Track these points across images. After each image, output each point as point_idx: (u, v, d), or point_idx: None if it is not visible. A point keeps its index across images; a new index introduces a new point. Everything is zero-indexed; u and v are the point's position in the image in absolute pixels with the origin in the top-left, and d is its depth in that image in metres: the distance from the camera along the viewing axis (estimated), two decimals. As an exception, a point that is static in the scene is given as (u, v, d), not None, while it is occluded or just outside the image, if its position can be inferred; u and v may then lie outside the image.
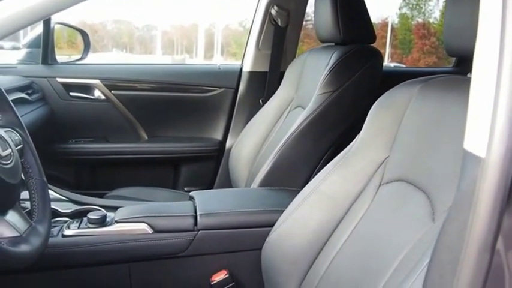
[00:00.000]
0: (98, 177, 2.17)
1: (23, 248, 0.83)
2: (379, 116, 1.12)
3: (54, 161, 2.04)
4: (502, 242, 0.52)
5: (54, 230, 1.24)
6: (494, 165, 0.49)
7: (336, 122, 1.52)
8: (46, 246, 0.94)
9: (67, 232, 1.22)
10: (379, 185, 1.07)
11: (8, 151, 0.89)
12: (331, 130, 1.52)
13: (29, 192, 1.01)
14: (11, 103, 1.04)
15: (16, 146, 0.98)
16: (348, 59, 1.53)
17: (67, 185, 2.07)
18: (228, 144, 2.19)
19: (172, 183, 2.21)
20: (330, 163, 1.17)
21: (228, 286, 1.25)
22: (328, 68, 1.53)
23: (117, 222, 1.24)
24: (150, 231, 1.23)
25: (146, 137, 2.22)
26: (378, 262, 0.92)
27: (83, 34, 2.24)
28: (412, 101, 1.05)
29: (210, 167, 2.21)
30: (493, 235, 0.50)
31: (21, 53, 2.16)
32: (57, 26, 2.14)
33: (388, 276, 0.87)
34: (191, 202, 1.34)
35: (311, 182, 1.18)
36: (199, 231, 1.24)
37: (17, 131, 1.03)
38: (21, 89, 1.86)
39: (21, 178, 0.94)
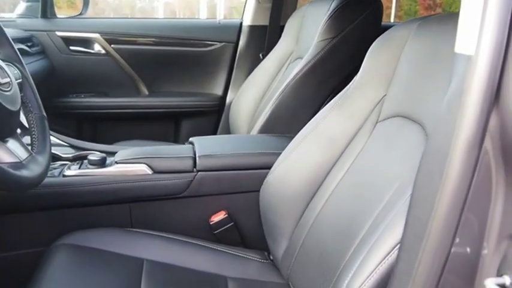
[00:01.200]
0: (99, 132, 2.18)
1: (24, 172, 0.85)
2: (378, 54, 1.12)
3: (56, 115, 2.04)
4: (489, 141, 0.53)
5: (55, 171, 1.26)
6: (482, 62, 0.50)
7: (335, 69, 1.52)
8: (46, 176, 0.96)
9: (68, 172, 1.24)
10: (376, 122, 1.08)
11: (7, 79, 0.90)
12: (331, 77, 1.52)
13: (29, 126, 1.03)
14: (9, 38, 1.04)
15: (15, 80, 0.99)
16: (347, 6, 1.52)
17: (69, 139, 2.09)
18: (228, 99, 2.20)
19: (173, 137, 2.23)
20: (329, 103, 1.18)
21: (227, 226, 1.28)
22: (327, 15, 1.52)
23: (117, 163, 1.26)
24: (149, 172, 1.24)
25: (146, 92, 2.23)
26: (374, 193, 0.93)
27: (82, -11, 2.23)
28: (410, 37, 1.05)
29: (210, 122, 2.22)
30: (481, 132, 0.51)
31: (21, 7, 2.15)
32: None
33: (383, 204, 0.88)
34: (191, 146, 1.35)
35: (309, 122, 1.19)
36: (198, 173, 1.26)
37: (16, 66, 1.04)
38: (21, 40, 1.86)
39: (20, 108, 0.95)
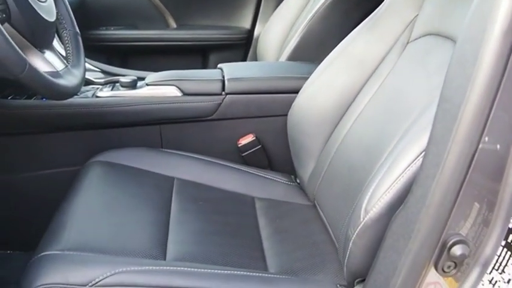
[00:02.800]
0: (128, 64, 2.20)
1: (61, 81, 0.88)
2: None
3: (86, 48, 2.06)
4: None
5: (89, 93, 1.29)
6: None
7: (364, -5, 1.48)
8: (81, 88, 0.99)
9: (100, 94, 1.27)
10: (407, 43, 1.07)
11: None
12: (359, 4, 1.49)
13: (64, 42, 1.05)
14: None
15: (49, -4, 1.01)
16: None
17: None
18: (256, 32, 2.18)
19: (201, 70, 2.24)
20: (359, 26, 1.16)
21: (255, 149, 1.30)
22: None
23: (147, 85, 1.28)
24: (179, 94, 1.27)
25: (174, 25, 2.22)
26: (402, 110, 0.93)
27: None
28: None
29: (238, 55, 2.22)
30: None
31: None
32: None
33: (411, 119, 0.87)
34: (220, 70, 1.37)
35: (338, 45, 1.18)
36: (227, 96, 1.27)
37: (49, -17, 1.05)
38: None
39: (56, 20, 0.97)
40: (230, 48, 2.21)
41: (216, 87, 1.27)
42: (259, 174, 1.25)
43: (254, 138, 1.29)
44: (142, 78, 1.36)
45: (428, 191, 0.57)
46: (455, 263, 0.59)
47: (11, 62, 0.73)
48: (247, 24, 2.22)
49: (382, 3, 1.14)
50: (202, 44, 2.19)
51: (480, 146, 0.54)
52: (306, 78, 1.21)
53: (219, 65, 1.42)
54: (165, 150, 1.26)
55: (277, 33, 1.87)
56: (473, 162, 0.54)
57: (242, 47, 2.21)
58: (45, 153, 1.26)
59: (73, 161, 1.24)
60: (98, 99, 1.26)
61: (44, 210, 1.03)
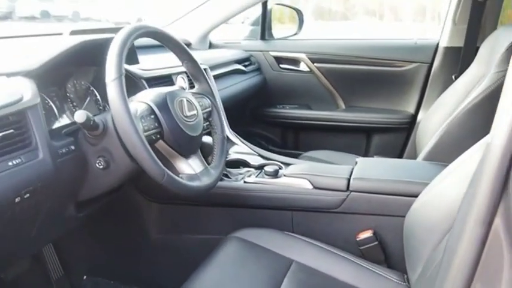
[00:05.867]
0: (299, 139, 2.48)
1: (196, 183, 1.15)
2: None
3: (264, 123, 2.41)
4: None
5: (239, 177, 1.57)
6: None
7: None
8: (213, 186, 1.24)
9: (247, 179, 1.53)
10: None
11: (193, 112, 1.20)
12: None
13: (213, 144, 1.34)
14: (206, 76, 1.36)
15: (204, 109, 1.31)
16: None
17: (274, 143, 2.44)
18: (419, 117, 2.24)
19: (363, 150, 2.38)
20: (481, 140, 1.19)
21: (372, 244, 1.40)
22: (508, 45, 1.47)
23: (285, 176, 1.50)
24: (310, 186, 1.45)
25: (343, 106, 2.43)
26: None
27: (298, 12, 2.54)
28: None
29: (400, 138, 2.30)
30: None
31: (246, 30, 2.57)
32: (274, 7, 2.48)
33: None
34: (351, 166, 1.51)
35: (459, 157, 1.22)
36: (351, 193, 1.41)
37: (208, 98, 1.35)
38: (239, 61, 2.26)
39: (202, 132, 1.25)
40: (393, 131, 2.30)
41: (342, 184, 1.42)
42: (373, 269, 1.33)
43: (372, 234, 1.39)
44: (289, 164, 1.58)
45: None
46: None
47: (154, 173, 1.03)
48: (411, 109, 2.29)
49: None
50: (366, 126, 2.34)
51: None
52: (425, 184, 1.27)
53: (356, 159, 1.56)
54: (293, 234, 1.44)
55: (436, 122, 1.90)
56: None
57: (404, 130, 2.29)
58: (199, 221, 1.57)
59: (218, 231, 1.51)
60: (245, 184, 1.52)
61: (193, 268, 1.29)
